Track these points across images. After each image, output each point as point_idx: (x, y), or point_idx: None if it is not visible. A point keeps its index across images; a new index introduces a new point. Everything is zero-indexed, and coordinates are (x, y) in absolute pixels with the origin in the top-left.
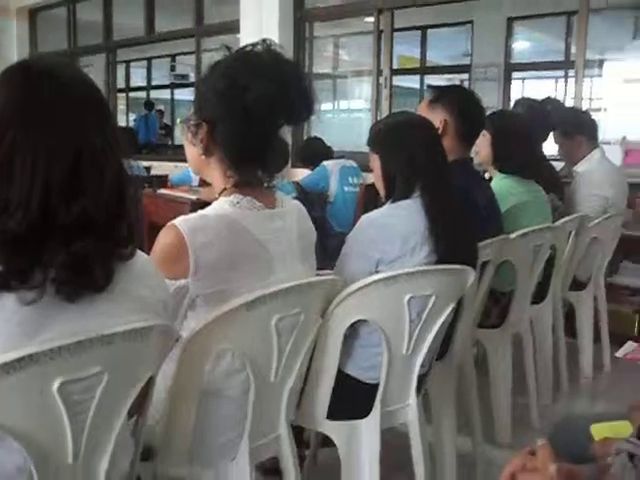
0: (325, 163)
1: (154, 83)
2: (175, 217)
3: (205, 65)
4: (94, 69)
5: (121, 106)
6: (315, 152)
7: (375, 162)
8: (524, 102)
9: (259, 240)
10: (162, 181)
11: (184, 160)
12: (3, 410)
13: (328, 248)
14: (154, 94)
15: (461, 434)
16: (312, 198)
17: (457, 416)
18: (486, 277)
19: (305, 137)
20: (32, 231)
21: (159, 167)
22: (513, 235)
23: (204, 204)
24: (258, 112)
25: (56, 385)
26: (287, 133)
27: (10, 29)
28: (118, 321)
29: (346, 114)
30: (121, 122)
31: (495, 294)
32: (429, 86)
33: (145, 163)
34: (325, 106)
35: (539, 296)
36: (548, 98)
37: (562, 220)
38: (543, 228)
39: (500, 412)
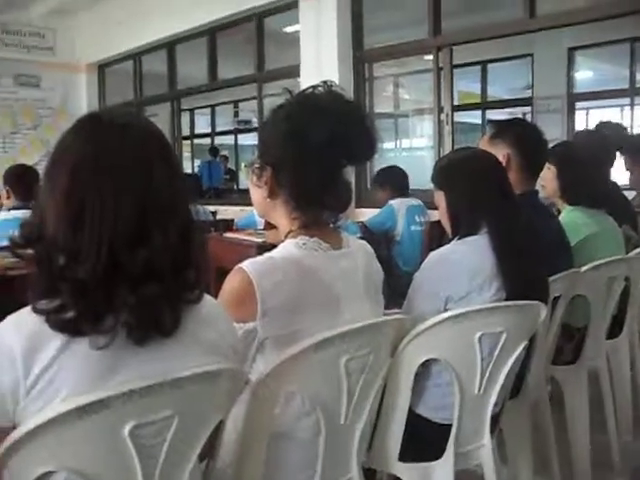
0: (392, 202)
1: (218, 129)
2: (241, 260)
3: (267, 110)
4: (160, 118)
5: (186, 153)
6: (395, 178)
7: (440, 199)
8: (581, 133)
9: (326, 281)
10: (228, 225)
11: (249, 204)
12: (75, 454)
13: (395, 287)
14: (218, 140)
15: (538, 475)
16: (378, 238)
17: (533, 456)
18: (558, 312)
19: (369, 177)
20: (101, 279)
21: (224, 212)
22: (584, 268)
23: (270, 247)
24: (320, 153)
25: (127, 429)
26: (350, 173)
27: (80, 83)
28: (187, 365)
29: (408, 152)
30: (186, 169)
31: (568, 329)
32: (489, 121)
33: (211, 208)
34: (387, 145)
35: (615, 330)
36: (603, 122)
37: (636, 251)
38: (616, 260)
39: (578, 451)
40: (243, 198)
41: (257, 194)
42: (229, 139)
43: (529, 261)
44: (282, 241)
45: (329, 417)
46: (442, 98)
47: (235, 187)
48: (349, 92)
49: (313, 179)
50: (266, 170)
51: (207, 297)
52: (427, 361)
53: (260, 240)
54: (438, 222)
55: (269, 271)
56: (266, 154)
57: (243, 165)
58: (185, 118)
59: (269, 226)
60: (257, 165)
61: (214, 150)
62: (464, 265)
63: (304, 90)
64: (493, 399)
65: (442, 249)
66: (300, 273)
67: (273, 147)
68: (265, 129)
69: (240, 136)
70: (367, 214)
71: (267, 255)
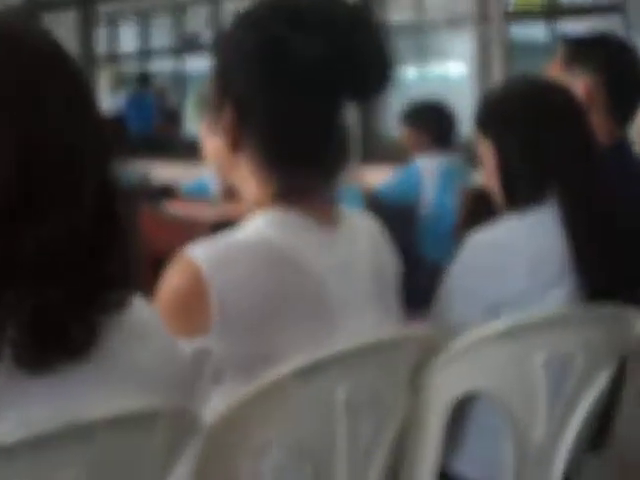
0: (419, 160)
1: (153, 48)
2: (188, 245)
3: (227, 19)
4: (64, 31)
5: (104, 82)
6: (436, 119)
7: (487, 152)
8: None
9: (314, 276)
10: (168, 192)
11: (200, 161)
12: None
13: (419, 286)
14: (153, 65)
15: None
16: (394, 213)
17: None
18: None
19: (380, 120)
20: None
21: (162, 172)
22: None
23: (231, 225)
24: (308, 81)
25: None
26: (351, 114)
27: None
28: (104, 401)
29: (437, 82)
30: (104, 107)
31: None
32: (563, 37)
33: (142, 167)
34: (406, 71)
35: None
36: None
37: None
38: None
39: None
40: (191, 152)
41: (212, 146)
42: (168, 64)
43: (620, 246)
44: (248, 216)
45: (322, 475)
46: (489, 2)
47: (179, 135)
48: None
49: (297, 122)
50: (226, 109)
51: (137, 301)
52: (466, 395)
53: (216, 215)
54: (482, 190)
55: (229, 261)
56: (226, 85)
57: (191, 102)
58: (102, 32)
59: (229, 194)
60: (212, 102)
61: (145, 79)
62: (522, 252)
63: None
64: (564, 452)
65: (488, 229)
66: (276, 265)
67: (236, 74)
68: (224, 47)
69: (186, 59)
70: (377, 177)
71: (226, 238)
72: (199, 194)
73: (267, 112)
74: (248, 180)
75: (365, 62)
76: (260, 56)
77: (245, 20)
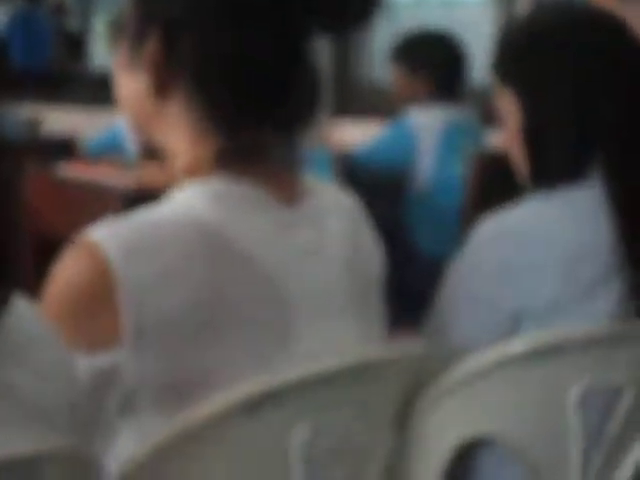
0: (413, 116)
1: None
2: (92, 225)
3: None
4: None
5: None
6: (440, 58)
7: (508, 107)
8: None
9: (266, 271)
10: (66, 148)
11: (111, 106)
12: None
13: (410, 286)
14: None
15: None
16: (377, 185)
17: None
18: None
19: (360, 58)
20: None
21: (58, 120)
22: None
23: (150, 196)
24: (263, 3)
25: None
26: (321, 49)
27: None
28: None
29: (442, 6)
30: None
31: None
32: None
33: (29, 112)
34: None
35: None
36: None
37: None
38: None
39: None
40: (98, 93)
41: (129, 87)
42: None
43: None
44: (176, 185)
45: None
46: None
47: (82, 70)
48: None
49: (247, 58)
50: (150, 37)
51: (17, 302)
52: (472, 440)
53: (131, 181)
54: (499, 156)
55: (148, 249)
56: (150, 4)
57: (100, 25)
58: None
59: (150, 154)
60: (130, 26)
61: None
62: (553, 246)
63: None
64: None
65: (507, 212)
66: (212, 254)
67: None
68: None
69: None
70: (356, 136)
71: (145, 215)
72: (109, 152)
73: (206, 42)
74: (177, 135)
75: None
76: None
77: None
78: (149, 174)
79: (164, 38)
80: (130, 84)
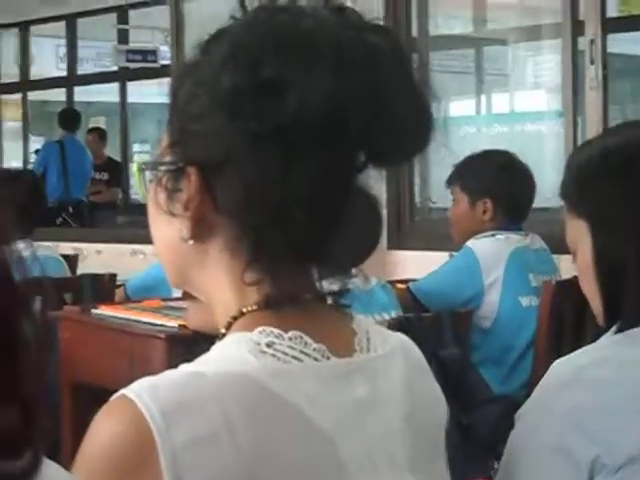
0: (475, 245)
1: (81, 71)
2: (133, 376)
3: (194, 35)
4: None
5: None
6: (508, 185)
7: (580, 236)
8: None
9: (321, 429)
10: (105, 287)
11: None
12: None
13: (479, 431)
14: (81, 94)
15: None
16: (439, 321)
17: None
18: None
19: (416, 188)
20: None
21: (95, 256)
22: None
23: (195, 339)
24: (312, 138)
25: None
26: (378, 181)
27: None
28: None
29: (507, 124)
30: (9, 160)
31: None
32: None
33: (66, 246)
34: (459, 106)
35: None
36: None
37: None
38: None
39: None
40: (137, 227)
41: (166, 230)
42: (108, 92)
43: None
44: (220, 336)
45: None
46: (580, 5)
47: (121, 199)
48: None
49: (294, 196)
50: (187, 177)
51: (48, 468)
52: None
53: (176, 323)
54: (571, 285)
55: (193, 409)
56: (187, 140)
57: (135, 165)
58: (7, 43)
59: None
60: (166, 165)
61: (73, 116)
62: (631, 391)
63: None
64: None
65: (582, 353)
66: (261, 410)
67: (204, 124)
68: (188, 83)
69: (131, 86)
70: (414, 268)
71: (188, 368)
72: (151, 292)
73: (251, 183)
74: (219, 284)
75: (394, 112)
76: (242, 101)
77: (222, 44)
78: (194, 315)
79: (203, 180)
80: (166, 230)
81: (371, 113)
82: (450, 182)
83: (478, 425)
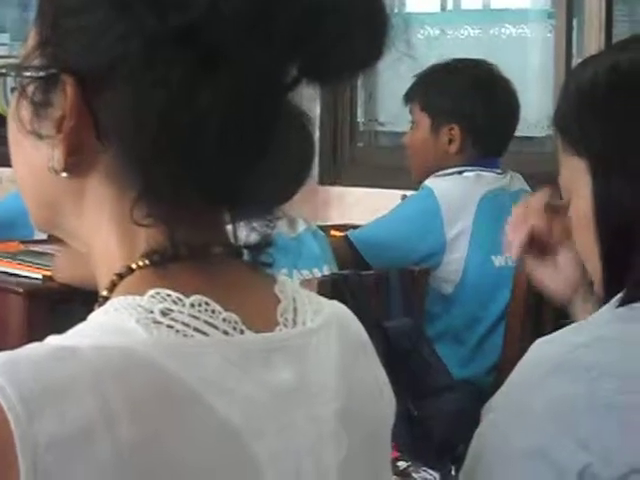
0: (436, 185)
1: None
2: None
3: None
4: None
5: None
6: (483, 105)
7: (577, 179)
8: None
9: (227, 422)
10: None
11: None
12: None
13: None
14: None
15: None
16: (385, 282)
17: None
18: None
19: (359, 111)
20: None
21: None
22: None
23: (63, 294)
24: (230, 42)
25: None
26: (312, 102)
27: None
28: None
29: (480, 25)
30: None
31: None
32: None
33: None
34: (417, 1)
35: None
36: None
37: None
38: None
39: None
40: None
41: (30, 156)
42: None
43: None
44: (101, 300)
45: None
46: None
47: None
48: None
49: (202, 122)
50: (60, 87)
51: None
52: None
53: (39, 275)
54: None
55: (63, 395)
56: (63, 39)
57: None
58: None
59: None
60: (33, 71)
61: None
62: (636, 381)
63: None
64: None
65: (573, 332)
66: (153, 401)
67: (84, 19)
68: None
69: None
70: (354, 210)
71: (59, 342)
72: (9, 229)
73: (146, 100)
74: (97, 226)
75: (337, 11)
76: None
77: None
78: (64, 265)
79: (82, 93)
80: (32, 157)
81: (306, 9)
82: (408, 98)
83: (432, 418)
